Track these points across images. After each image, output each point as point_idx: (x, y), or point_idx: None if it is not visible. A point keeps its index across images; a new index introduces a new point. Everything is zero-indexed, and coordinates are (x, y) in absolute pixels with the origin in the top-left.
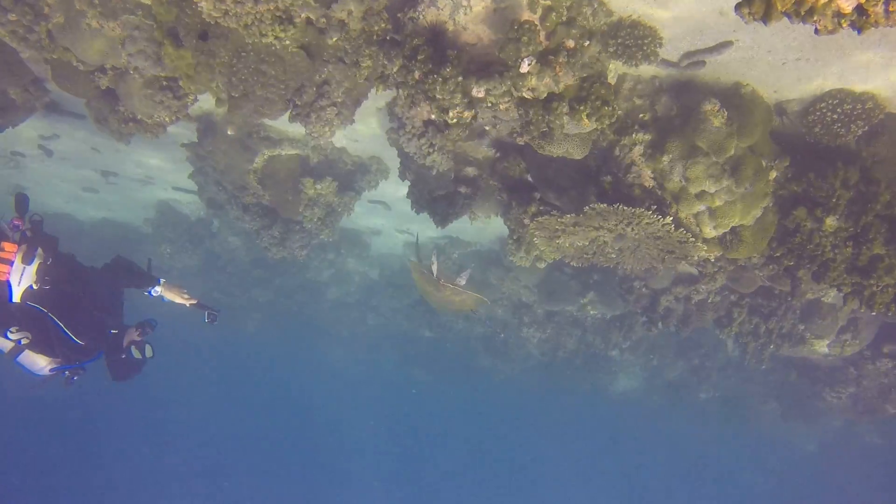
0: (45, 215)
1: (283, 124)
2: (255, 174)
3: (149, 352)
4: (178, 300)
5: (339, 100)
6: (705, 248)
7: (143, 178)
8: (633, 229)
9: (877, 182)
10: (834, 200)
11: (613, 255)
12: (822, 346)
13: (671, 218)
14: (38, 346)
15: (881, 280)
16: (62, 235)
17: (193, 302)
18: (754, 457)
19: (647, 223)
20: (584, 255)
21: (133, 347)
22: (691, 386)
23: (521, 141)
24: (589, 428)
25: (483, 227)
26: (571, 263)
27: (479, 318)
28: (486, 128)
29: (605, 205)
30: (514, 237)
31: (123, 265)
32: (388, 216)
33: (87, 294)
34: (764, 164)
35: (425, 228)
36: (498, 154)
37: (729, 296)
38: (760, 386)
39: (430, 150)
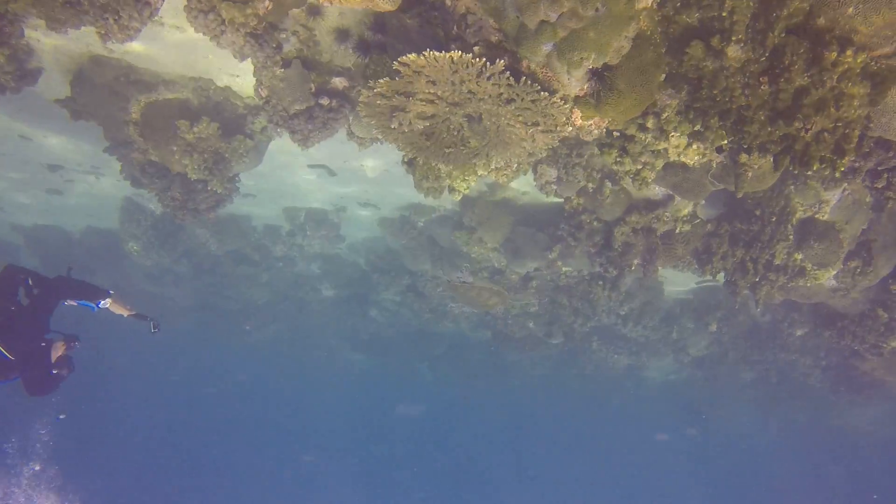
0: (35, 230)
1: (157, 64)
2: (134, 126)
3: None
4: (122, 312)
5: None
6: (566, 107)
7: (88, 168)
8: (471, 92)
9: None
10: (728, 19)
11: (474, 142)
12: (827, 278)
13: (503, 61)
14: None
15: (811, 122)
16: (54, 248)
17: (133, 313)
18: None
19: (477, 77)
20: (441, 147)
21: (61, 361)
22: (725, 363)
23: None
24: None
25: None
26: (439, 165)
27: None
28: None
29: (415, 55)
30: (406, 159)
31: (74, 281)
32: (340, 185)
33: (28, 309)
34: None
35: (400, 196)
36: (362, 57)
37: (703, 225)
38: (798, 354)
39: (221, 30)
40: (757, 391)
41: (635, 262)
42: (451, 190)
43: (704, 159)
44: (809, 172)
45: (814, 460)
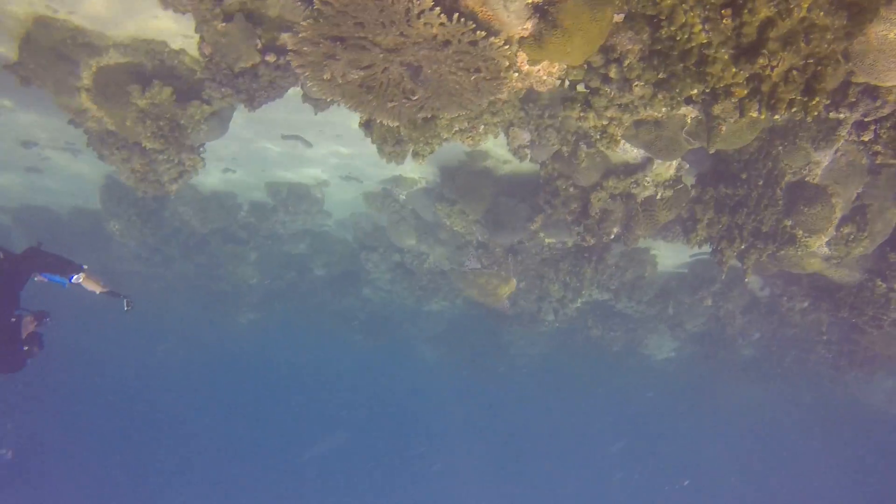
0: (21, 211)
1: (105, 25)
2: (87, 92)
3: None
4: (95, 288)
5: None
6: (507, 50)
7: (63, 145)
8: (403, 34)
9: None
10: None
11: (417, 96)
12: (819, 246)
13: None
14: None
15: (777, 59)
16: (42, 230)
17: (106, 290)
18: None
19: (406, 16)
20: (384, 101)
21: (31, 338)
22: (724, 339)
23: None
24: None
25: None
26: (385, 122)
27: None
28: None
29: None
30: (362, 121)
31: (45, 255)
32: (318, 157)
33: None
34: None
35: (378, 170)
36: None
37: (686, 190)
38: (798, 329)
39: None
40: (760, 369)
41: (614, 229)
42: (415, 155)
43: (674, 112)
44: (777, 117)
45: (826, 440)
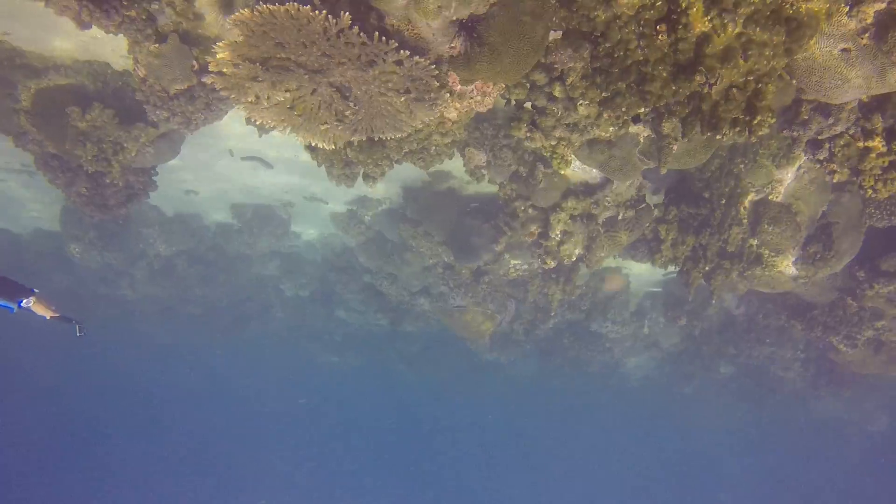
0: None
1: (43, 47)
2: (26, 115)
3: None
4: (46, 313)
5: None
6: (433, 69)
7: (18, 167)
8: (326, 55)
9: None
10: None
11: (350, 118)
12: (786, 265)
13: (348, 14)
14: None
15: (715, 76)
16: (4, 252)
17: (57, 315)
18: (808, 446)
19: (325, 35)
20: (316, 123)
21: None
22: (701, 357)
23: None
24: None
25: (387, 177)
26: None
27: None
28: None
29: (248, 11)
30: (306, 144)
31: None
32: (281, 179)
33: None
34: None
35: (343, 190)
36: None
37: (649, 210)
38: (775, 347)
39: None
40: (738, 386)
41: (576, 251)
42: (366, 177)
43: (622, 131)
44: (719, 137)
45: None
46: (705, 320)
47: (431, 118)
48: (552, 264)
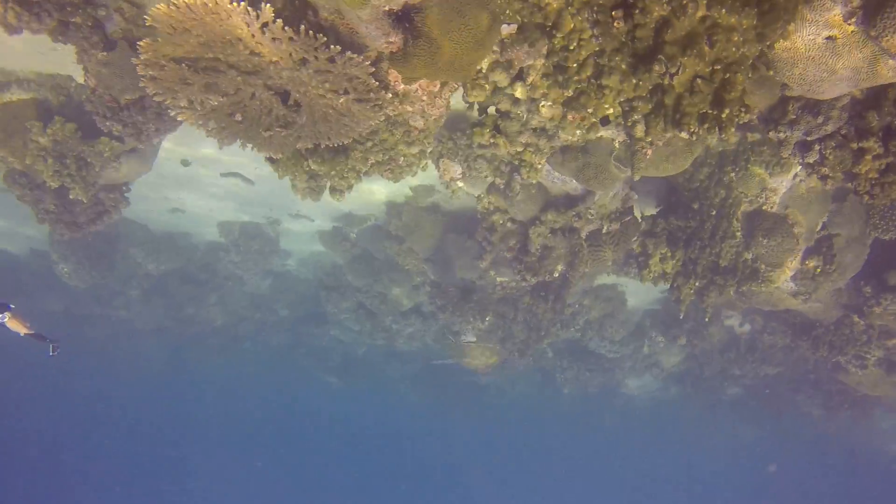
0: None
1: (7, 62)
2: None
3: None
4: (20, 330)
5: None
6: (369, 66)
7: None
8: (254, 53)
9: None
10: None
11: (293, 123)
12: (784, 281)
13: (269, 6)
14: None
15: (678, 66)
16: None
17: (32, 332)
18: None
19: (249, 30)
20: (258, 129)
21: None
22: (704, 378)
23: None
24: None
25: (370, 194)
26: (268, 154)
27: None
28: None
29: (164, 5)
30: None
31: None
32: (264, 195)
33: None
34: None
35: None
36: None
37: (636, 223)
38: (782, 367)
39: None
40: (746, 408)
41: (558, 267)
42: (333, 190)
43: (591, 135)
44: (685, 135)
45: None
46: (707, 340)
47: (378, 122)
48: (532, 281)
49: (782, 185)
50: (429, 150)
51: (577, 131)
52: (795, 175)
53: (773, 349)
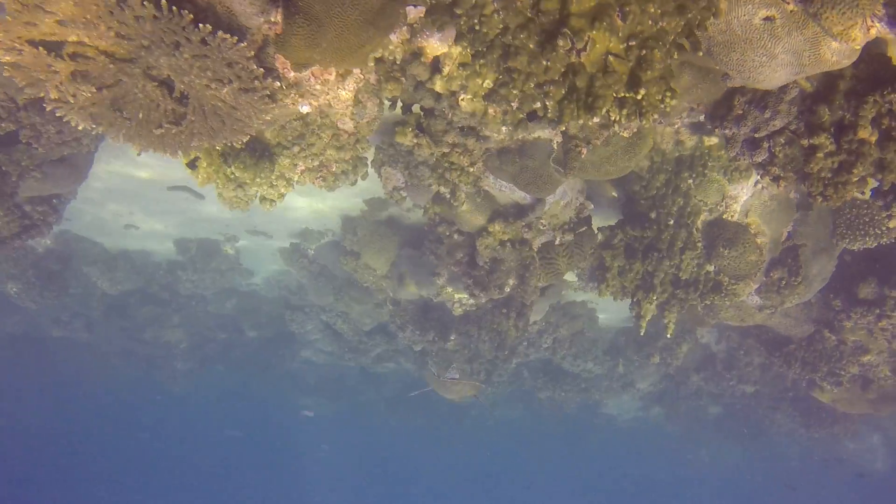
0: None
1: None
2: None
3: None
4: None
5: None
6: (245, 49)
7: None
8: (121, 35)
9: None
10: None
11: (182, 113)
12: (748, 293)
13: None
14: None
15: (585, 41)
16: None
17: None
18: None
19: (106, 6)
20: (149, 126)
21: None
22: (681, 398)
23: None
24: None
25: (324, 207)
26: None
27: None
28: None
29: None
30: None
31: None
32: (217, 210)
33: None
34: None
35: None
36: None
37: (591, 234)
38: (759, 385)
39: None
40: (727, 427)
41: (510, 281)
42: (263, 200)
43: (519, 133)
44: (596, 120)
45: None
46: (680, 357)
47: (274, 115)
48: (482, 298)
49: (743, 192)
50: (369, 158)
51: (503, 128)
52: (757, 182)
53: (750, 367)
